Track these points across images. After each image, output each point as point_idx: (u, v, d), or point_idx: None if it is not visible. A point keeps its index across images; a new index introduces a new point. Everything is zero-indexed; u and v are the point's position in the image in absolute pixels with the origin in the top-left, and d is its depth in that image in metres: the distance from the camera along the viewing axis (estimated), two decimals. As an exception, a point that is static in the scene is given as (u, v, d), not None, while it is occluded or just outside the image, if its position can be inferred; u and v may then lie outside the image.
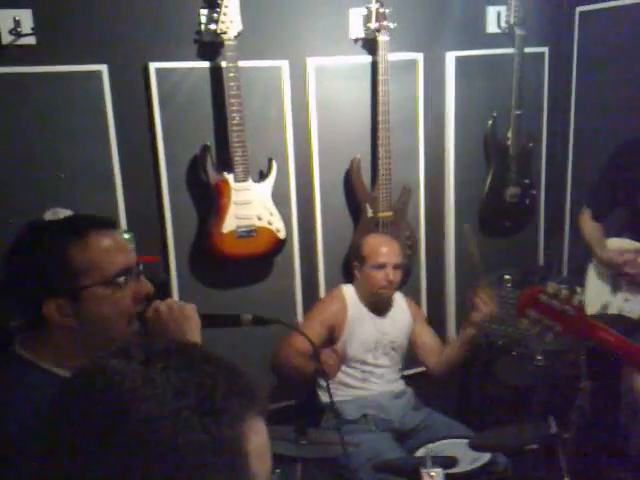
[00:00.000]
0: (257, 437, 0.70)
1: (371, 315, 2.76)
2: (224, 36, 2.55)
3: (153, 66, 2.58)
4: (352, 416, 2.64)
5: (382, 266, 2.69)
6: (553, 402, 2.58)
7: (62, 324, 1.22)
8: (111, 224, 1.31)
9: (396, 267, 2.72)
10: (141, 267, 1.32)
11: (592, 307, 2.65)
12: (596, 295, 2.69)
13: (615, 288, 2.66)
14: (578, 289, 2.66)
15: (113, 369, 0.68)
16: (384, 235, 2.90)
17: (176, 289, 2.75)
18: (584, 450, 2.48)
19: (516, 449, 2.36)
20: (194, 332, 1.32)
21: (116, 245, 1.27)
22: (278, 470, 2.24)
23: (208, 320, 1.39)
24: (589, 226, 2.77)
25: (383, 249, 2.73)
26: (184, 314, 1.33)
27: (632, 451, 2.67)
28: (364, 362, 2.73)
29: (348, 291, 2.79)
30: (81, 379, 0.72)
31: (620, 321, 2.56)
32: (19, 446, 0.90)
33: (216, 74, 2.67)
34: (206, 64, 2.67)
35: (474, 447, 2.29)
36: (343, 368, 2.65)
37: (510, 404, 2.77)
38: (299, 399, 2.95)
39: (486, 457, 2.30)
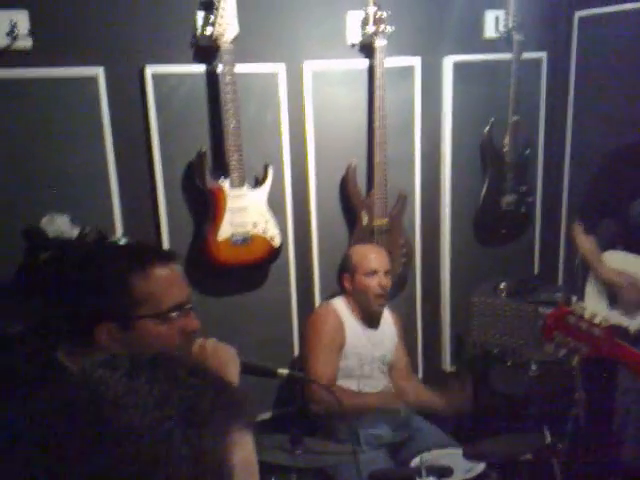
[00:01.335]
0: (242, 451, 0.69)
1: (365, 328, 2.75)
2: (221, 40, 2.52)
3: (149, 70, 2.55)
4: (344, 435, 2.61)
5: (374, 272, 2.70)
6: (547, 412, 2.58)
7: (107, 347, 1.24)
8: (173, 257, 1.34)
9: (387, 273, 2.73)
10: (193, 302, 1.34)
11: None
12: (594, 308, 2.69)
13: (612, 302, 2.66)
14: (574, 299, 2.67)
15: (98, 379, 0.68)
16: (371, 244, 2.89)
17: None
18: (578, 460, 2.49)
19: (511, 459, 2.36)
20: (234, 375, 1.35)
21: (175, 279, 1.31)
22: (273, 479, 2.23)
23: (245, 367, 1.43)
24: (583, 240, 2.75)
25: (372, 255, 2.74)
26: (227, 355, 1.37)
27: (625, 457, 2.68)
28: (361, 376, 2.70)
29: (339, 305, 2.75)
30: (67, 388, 0.71)
31: (619, 334, 2.56)
32: None
33: (212, 78, 2.65)
34: (202, 68, 2.64)
35: (468, 457, 2.29)
36: (340, 382, 2.64)
37: (504, 414, 2.77)
38: (295, 407, 2.94)
39: (480, 467, 2.30)
